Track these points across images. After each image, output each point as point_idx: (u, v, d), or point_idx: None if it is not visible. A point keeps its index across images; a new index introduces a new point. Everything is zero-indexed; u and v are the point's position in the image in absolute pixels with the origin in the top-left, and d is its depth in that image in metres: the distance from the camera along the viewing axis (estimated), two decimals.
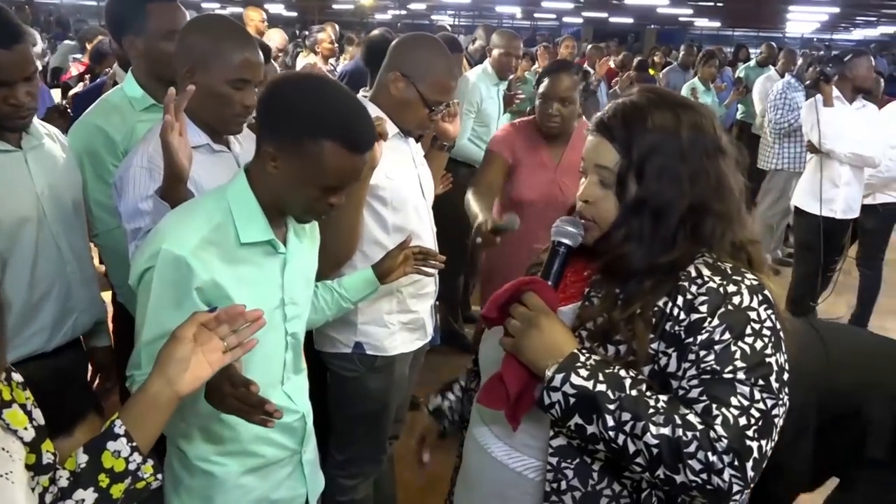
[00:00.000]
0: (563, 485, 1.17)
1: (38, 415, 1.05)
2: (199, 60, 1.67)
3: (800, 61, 5.95)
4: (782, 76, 5.92)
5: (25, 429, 1.01)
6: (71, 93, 5.00)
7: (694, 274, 1.13)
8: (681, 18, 23.79)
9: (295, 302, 1.54)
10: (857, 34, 24.82)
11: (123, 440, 1.07)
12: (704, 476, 1.03)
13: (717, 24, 25.77)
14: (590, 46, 8.71)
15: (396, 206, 1.98)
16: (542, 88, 2.69)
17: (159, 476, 1.12)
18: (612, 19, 23.85)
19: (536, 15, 26.71)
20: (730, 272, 1.14)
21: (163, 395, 1.10)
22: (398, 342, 2.08)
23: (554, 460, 1.18)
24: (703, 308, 1.10)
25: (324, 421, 2.14)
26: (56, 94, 5.06)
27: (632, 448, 1.06)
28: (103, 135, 2.04)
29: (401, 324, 2.08)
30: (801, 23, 22.90)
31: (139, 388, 1.12)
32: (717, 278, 1.12)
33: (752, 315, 1.10)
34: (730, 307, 1.09)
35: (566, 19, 26.57)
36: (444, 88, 2.00)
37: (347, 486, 2.16)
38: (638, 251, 1.16)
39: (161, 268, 1.34)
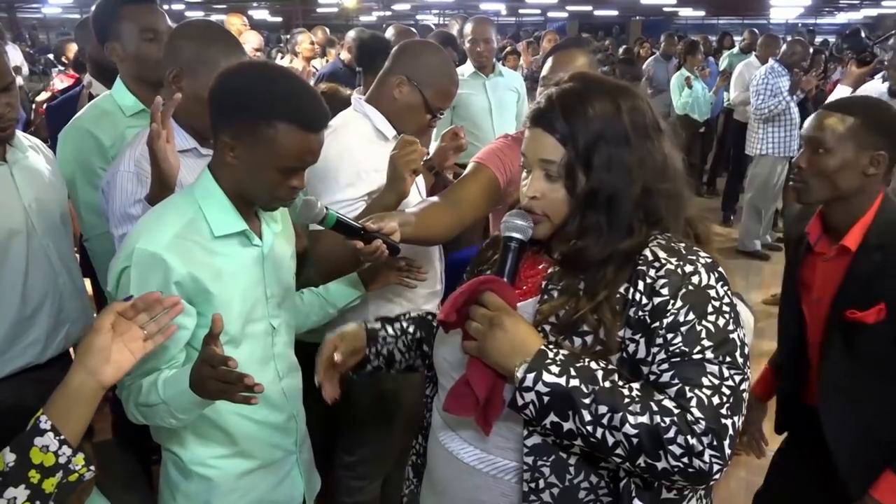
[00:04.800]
0: (542, 483, 1.14)
1: None
2: (185, 65, 1.68)
3: (784, 47, 5.91)
4: (764, 62, 5.91)
5: None
6: (39, 98, 4.95)
7: (651, 257, 1.12)
8: (665, 9, 23.80)
9: (277, 296, 1.55)
10: (842, 17, 24.84)
11: (50, 434, 1.07)
12: (686, 460, 1.02)
13: (702, 12, 25.81)
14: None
15: None
16: (544, 71, 2.04)
17: (91, 467, 1.12)
18: (597, 12, 23.87)
19: (521, 11, 26.73)
20: (684, 252, 1.13)
21: (85, 386, 1.11)
22: None
23: (530, 459, 1.15)
24: (665, 290, 1.09)
25: (330, 422, 2.14)
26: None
27: (611, 440, 1.05)
28: (94, 139, 2.04)
29: None
30: (785, 8, 22.97)
31: (62, 381, 1.12)
32: (673, 259, 1.11)
33: (712, 293, 1.10)
34: (690, 287, 1.09)
35: (551, 14, 26.59)
36: (448, 95, 2.02)
37: (355, 487, 2.15)
38: (596, 243, 1.15)
39: (137, 266, 1.35)
